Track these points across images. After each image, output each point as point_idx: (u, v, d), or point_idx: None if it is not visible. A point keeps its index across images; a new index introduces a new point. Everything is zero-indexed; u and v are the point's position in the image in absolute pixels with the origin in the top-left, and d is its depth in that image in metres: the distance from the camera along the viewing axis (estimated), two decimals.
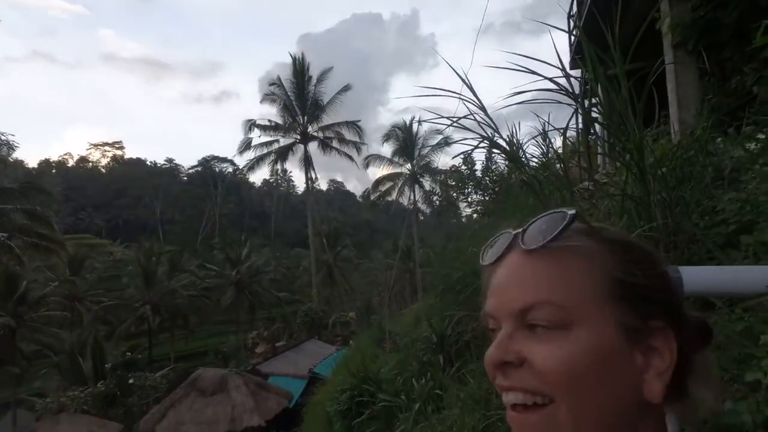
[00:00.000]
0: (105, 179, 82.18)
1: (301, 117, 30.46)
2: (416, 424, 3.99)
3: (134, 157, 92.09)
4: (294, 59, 29.92)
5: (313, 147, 31.03)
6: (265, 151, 30.63)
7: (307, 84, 30.09)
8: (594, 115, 2.86)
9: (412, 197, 27.75)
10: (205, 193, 78.66)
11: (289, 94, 29.94)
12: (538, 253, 0.45)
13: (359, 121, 31.58)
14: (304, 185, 33.62)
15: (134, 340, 30.93)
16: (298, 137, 30.62)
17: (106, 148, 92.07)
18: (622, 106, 2.12)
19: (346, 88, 30.49)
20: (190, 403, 11.81)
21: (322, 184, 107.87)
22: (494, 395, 2.60)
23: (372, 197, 30.52)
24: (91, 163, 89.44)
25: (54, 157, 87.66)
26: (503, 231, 0.51)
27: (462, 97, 2.78)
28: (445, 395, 3.93)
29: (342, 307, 38.88)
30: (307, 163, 30.61)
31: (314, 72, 30.41)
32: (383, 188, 29.63)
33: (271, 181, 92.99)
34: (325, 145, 30.85)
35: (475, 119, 2.59)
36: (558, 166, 2.73)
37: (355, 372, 6.61)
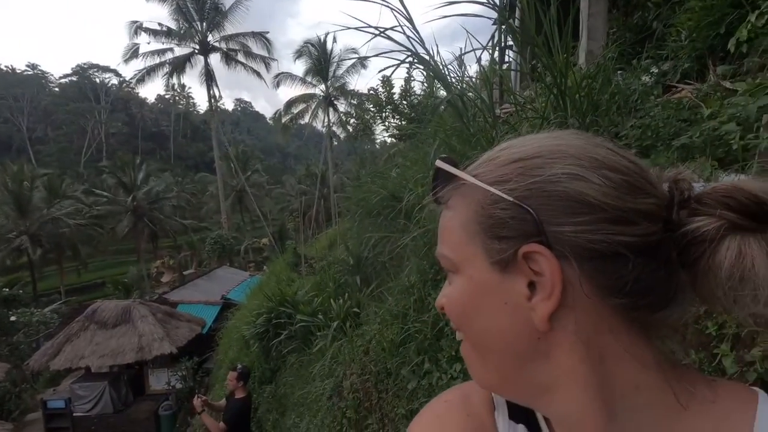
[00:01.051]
0: None
1: (198, 23, 26.74)
2: (334, 341, 4.16)
3: None
4: None
5: (215, 60, 27.85)
6: (158, 61, 26.83)
7: None
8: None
9: (326, 121, 26.78)
10: (84, 108, 67.81)
11: None
12: (445, 203, 0.47)
13: (267, 33, 28.66)
14: (207, 103, 30.49)
15: (13, 275, 27.45)
16: (197, 47, 27.09)
17: None
18: (548, 26, 2.09)
19: None
20: (90, 336, 11.05)
21: (228, 104, 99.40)
22: (411, 310, 2.75)
23: (283, 120, 28.76)
24: None
25: None
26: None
27: (387, 4, 2.55)
28: (362, 313, 4.11)
29: (254, 234, 38.11)
30: (209, 78, 27.54)
31: None
32: (295, 110, 28.01)
33: (167, 97, 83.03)
34: (228, 58, 27.78)
35: (403, 31, 2.41)
36: (481, 86, 2.71)
37: (272, 296, 6.61)
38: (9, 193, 28.56)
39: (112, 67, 73.69)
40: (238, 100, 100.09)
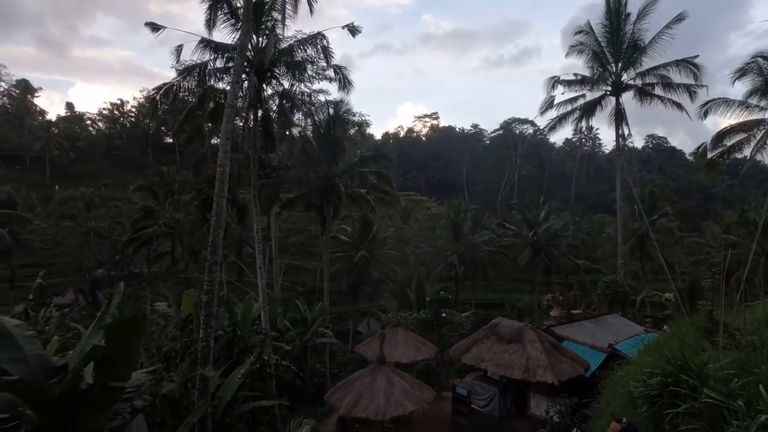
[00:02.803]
0: (424, 145, 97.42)
1: (613, 65, 26.69)
2: None
3: (446, 125, 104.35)
4: None
5: (627, 98, 26.88)
6: (569, 108, 28.69)
7: (623, 24, 25.88)
8: None
9: None
10: (505, 156, 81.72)
11: (599, 39, 26.60)
12: None
13: (696, 56, 24.92)
14: (614, 143, 29.79)
15: (444, 283, 36.57)
16: (609, 89, 27.08)
17: (426, 119, 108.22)
18: None
19: (679, 18, 24.47)
20: (490, 345, 13.17)
21: (637, 141, 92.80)
22: None
23: (710, 155, 23.81)
24: (415, 133, 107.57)
25: (391, 130, 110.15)
26: None
27: None
28: None
29: (654, 285, 33.41)
30: (619, 117, 26.81)
31: (633, 8, 25.75)
32: (729, 142, 22.58)
33: (573, 140, 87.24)
34: (644, 93, 26.12)
35: None
36: None
37: (671, 358, 5.76)
38: (450, 222, 38.43)
39: (530, 119, 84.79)
40: (650, 137, 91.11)
